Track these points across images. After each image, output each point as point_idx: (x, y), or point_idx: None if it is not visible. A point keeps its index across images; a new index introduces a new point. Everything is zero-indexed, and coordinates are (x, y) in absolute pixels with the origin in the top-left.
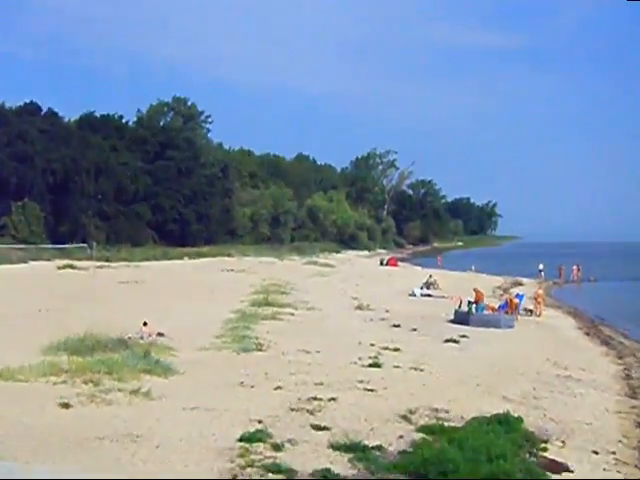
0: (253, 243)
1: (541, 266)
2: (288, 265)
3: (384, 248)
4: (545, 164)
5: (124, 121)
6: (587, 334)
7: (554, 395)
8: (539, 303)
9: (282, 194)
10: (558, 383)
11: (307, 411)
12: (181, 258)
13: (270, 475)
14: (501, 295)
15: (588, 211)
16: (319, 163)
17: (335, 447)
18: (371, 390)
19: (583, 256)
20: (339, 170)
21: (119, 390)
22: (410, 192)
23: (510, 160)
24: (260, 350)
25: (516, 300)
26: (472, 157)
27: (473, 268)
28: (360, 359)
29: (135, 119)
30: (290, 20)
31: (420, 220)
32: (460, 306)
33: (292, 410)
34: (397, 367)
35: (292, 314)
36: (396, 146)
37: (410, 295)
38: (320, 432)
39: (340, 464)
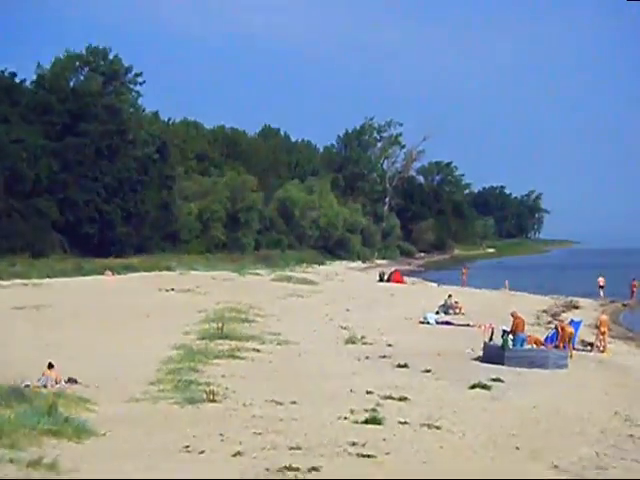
0: (203, 252)
1: (601, 280)
2: (252, 282)
3: (385, 257)
4: (610, 144)
5: (18, 81)
6: None
7: (627, 464)
8: (602, 333)
9: (243, 183)
10: (632, 447)
11: None
12: (101, 273)
13: None
14: (548, 322)
15: None
16: (294, 140)
17: None
18: (368, 456)
19: None
20: (322, 149)
21: (11, 461)
22: (421, 179)
23: (561, 138)
24: (213, 401)
25: (570, 329)
26: (508, 133)
27: (507, 284)
28: (352, 412)
29: (34, 78)
30: None
31: (435, 218)
32: (491, 338)
33: None
34: (404, 423)
35: (257, 350)
36: (401, 116)
37: (422, 323)
38: None
39: None
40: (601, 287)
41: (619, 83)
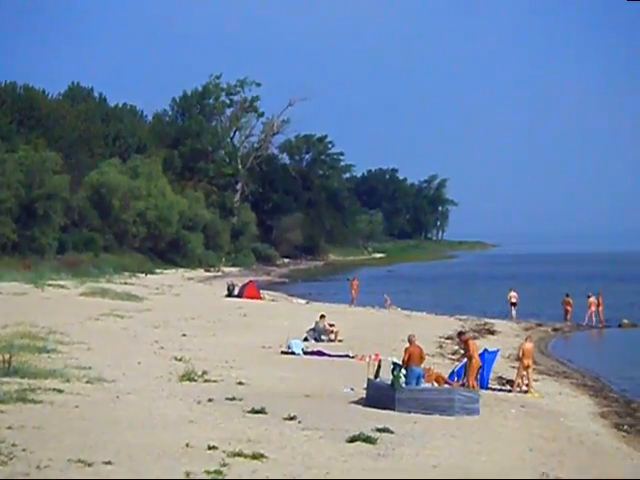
0: None
1: (514, 296)
2: (53, 297)
3: (236, 264)
4: (540, 120)
5: None
6: (619, 427)
7: None
8: (526, 368)
9: (42, 161)
10: None
11: None
12: None
13: None
14: (454, 353)
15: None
16: (112, 104)
17: None
18: None
19: (604, 278)
20: (150, 118)
21: None
22: (285, 159)
23: (473, 109)
24: None
25: (478, 360)
26: (403, 101)
27: (388, 299)
28: (188, 475)
29: None
30: None
31: (304, 212)
32: (378, 374)
33: None
34: None
35: (59, 391)
36: (259, 75)
37: (285, 353)
38: None
39: None
40: (513, 304)
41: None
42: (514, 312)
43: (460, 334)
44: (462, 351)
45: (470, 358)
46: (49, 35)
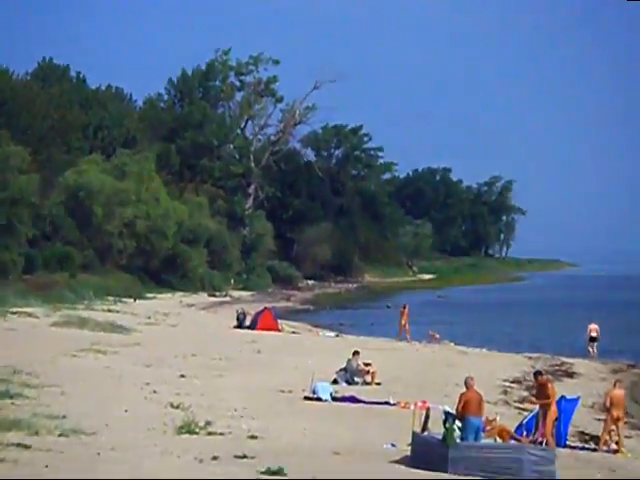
0: None
1: (594, 329)
2: (18, 328)
3: (248, 287)
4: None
5: None
6: None
7: None
8: (616, 420)
9: (4, 157)
10: None
11: None
12: None
13: None
14: (523, 400)
15: None
16: (93, 87)
17: None
18: None
19: None
20: (141, 103)
21: None
22: (310, 156)
23: (546, 97)
24: None
25: (555, 410)
26: (457, 88)
27: (436, 335)
28: None
29: None
30: None
31: (334, 222)
32: (426, 425)
33: None
34: None
35: (25, 446)
36: (278, 52)
37: (308, 398)
38: None
39: None
40: (593, 339)
41: None
42: (594, 349)
43: (537, 374)
44: (534, 397)
45: (547, 406)
46: (15, 3)
